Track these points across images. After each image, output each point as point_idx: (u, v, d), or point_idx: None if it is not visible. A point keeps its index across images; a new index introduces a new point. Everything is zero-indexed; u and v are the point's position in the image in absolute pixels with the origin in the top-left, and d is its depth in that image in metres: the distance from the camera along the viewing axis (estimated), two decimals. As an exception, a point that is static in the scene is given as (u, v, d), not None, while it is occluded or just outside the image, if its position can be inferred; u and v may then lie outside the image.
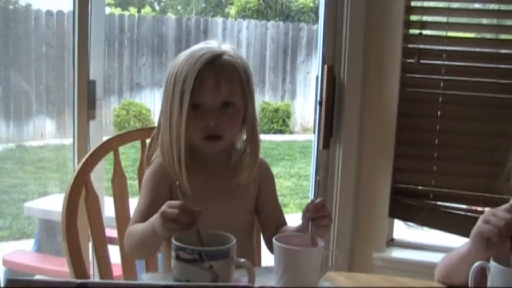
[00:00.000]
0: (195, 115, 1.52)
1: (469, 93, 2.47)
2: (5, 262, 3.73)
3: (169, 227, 1.32)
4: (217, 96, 1.52)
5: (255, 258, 1.71)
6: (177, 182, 1.40)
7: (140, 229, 1.46)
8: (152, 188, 1.57)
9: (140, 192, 1.62)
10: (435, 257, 2.51)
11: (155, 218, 1.37)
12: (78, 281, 0.92)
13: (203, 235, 1.31)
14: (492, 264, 1.31)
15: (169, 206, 1.33)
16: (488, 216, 1.37)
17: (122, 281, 1.01)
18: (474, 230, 1.40)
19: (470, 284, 1.34)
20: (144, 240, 1.45)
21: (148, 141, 1.70)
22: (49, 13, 7.22)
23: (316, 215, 1.44)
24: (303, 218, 1.47)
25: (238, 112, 1.57)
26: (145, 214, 1.50)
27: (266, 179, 1.69)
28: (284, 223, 1.67)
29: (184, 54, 1.56)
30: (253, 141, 1.61)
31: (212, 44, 1.58)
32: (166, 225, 1.32)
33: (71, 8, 2.46)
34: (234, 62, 1.55)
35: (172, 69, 1.55)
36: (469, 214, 2.50)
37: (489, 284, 1.32)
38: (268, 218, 1.68)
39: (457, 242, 2.47)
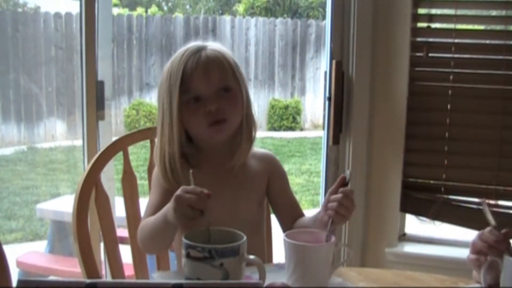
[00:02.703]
0: (195, 107, 1.53)
1: (479, 86, 2.45)
2: (19, 264, 3.75)
3: (183, 211, 1.32)
4: (210, 81, 1.53)
5: (264, 253, 1.71)
6: (191, 170, 1.39)
7: (152, 220, 1.47)
8: (162, 183, 1.58)
9: (151, 188, 1.63)
10: (447, 252, 2.52)
11: (168, 206, 1.38)
12: (88, 281, 0.92)
13: (213, 232, 1.31)
14: (505, 258, 1.30)
15: (185, 191, 1.33)
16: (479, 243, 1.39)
17: (131, 280, 1.01)
18: (470, 258, 1.42)
19: (482, 279, 1.33)
20: (156, 231, 1.46)
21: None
22: (57, 15, 7.24)
23: (338, 200, 1.44)
24: (324, 202, 1.48)
25: (236, 94, 1.58)
26: (157, 208, 1.50)
27: (275, 173, 1.70)
28: (301, 215, 1.67)
29: (172, 57, 1.58)
30: (248, 124, 1.62)
31: (197, 42, 1.60)
32: (180, 210, 1.32)
33: (79, 10, 2.46)
34: (219, 51, 1.57)
35: (163, 76, 1.58)
36: (480, 207, 2.48)
37: (502, 277, 1.31)
38: (283, 212, 1.69)
39: (469, 236, 2.46)
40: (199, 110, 1.53)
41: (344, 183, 1.47)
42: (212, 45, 1.58)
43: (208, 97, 1.53)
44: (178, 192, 1.34)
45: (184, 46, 1.60)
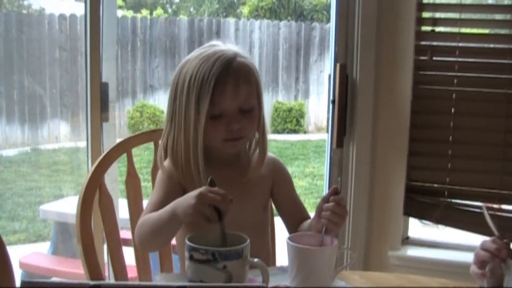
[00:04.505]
0: (216, 121, 1.52)
1: (483, 90, 2.45)
2: (22, 265, 3.75)
3: (202, 210, 1.31)
4: (237, 101, 1.52)
5: (269, 257, 1.70)
6: (210, 177, 1.39)
7: (156, 215, 1.45)
8: (167, 183, 1.57)
9: (155, 187, 1.62)
10: (450, 255, 2.52)
11: (181, 200, 1.37)
12: (92, 282, 0.92)
13: (217, 235, 1.31)
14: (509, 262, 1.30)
15: (209, 191, 1.32)
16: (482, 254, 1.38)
17: (136, 282, 1.01)
18: (475, 273, 1.41)
19: (485, 282, 1.33)
20: (160, 226, 1.44)
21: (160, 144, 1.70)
22: (62, 17, 7.26)
23: (330, 209, 1.43)
24: (317, 210, 1.47)
25: (255, 111, 1.57)
26: (159, 206, 1.48)
27: (279, 176, 1.69)
28: (306, 217, 1.65)
29: (194, 59, 1.54)
30: (263, 136, 1.62)
31: (220, 46, 1.57)
32: (200, 207, 1.31)
33: (83, 12, 2.47)
34: (248, 63, 1.55)
35: (183, 75, 1.54)
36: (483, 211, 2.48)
37: (505, 282, 1.31)
38: (288, 215, 1.68)
39: (472, 240, 2.46)
40: (220, 125, 1.52)
41: (336, 192, 1.47)
42: (240, 53, 1.55)
43: (231, 114, 1.52)
44: (202, 189, 1.33)
45: (206, 47, 1.57)
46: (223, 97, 1.50)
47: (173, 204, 1.39)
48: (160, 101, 8.95)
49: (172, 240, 1.56)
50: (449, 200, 2.52)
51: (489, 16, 2.65)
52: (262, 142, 1.62)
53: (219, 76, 1.49)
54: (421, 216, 2.64)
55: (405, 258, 2.57)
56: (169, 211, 1.40)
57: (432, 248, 2.62)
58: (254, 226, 1.59)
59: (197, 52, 1.57)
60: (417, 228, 2.81)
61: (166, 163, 1.59)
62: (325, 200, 1.47)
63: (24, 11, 8.20)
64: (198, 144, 1.52)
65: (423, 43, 2.50)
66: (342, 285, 1.44)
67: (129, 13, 10.47)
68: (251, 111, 1.55)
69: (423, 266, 2.52)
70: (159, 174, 1.61)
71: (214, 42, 1.60)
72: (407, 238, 2.67)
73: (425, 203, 2.56)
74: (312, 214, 1.60)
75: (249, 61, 1.56)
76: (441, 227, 2.54)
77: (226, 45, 1.57)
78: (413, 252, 2.60)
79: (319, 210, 1.47)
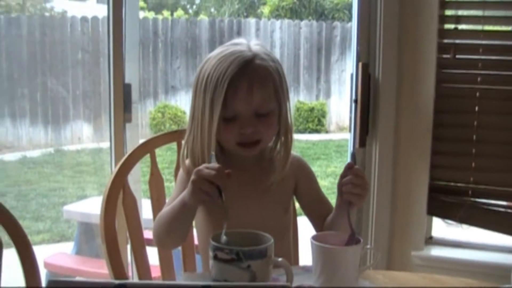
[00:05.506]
0: (230, 123, 1.51)
1: (507, 87, 2.43)
2: (46, 265, 3.79)
3: (200, 186, 1.32)
4: (251, 104, 1.49)
5: (291, 257, 1.69)
6: (212, 152, 1.39)
7: (169, 208, 1.46)
8: (186, 181, 1.52)
9: (175, 186, 1.63)
10: (474, 255, 2.49)
11: (185, 190, 1.38)
12: (117, 281, 0.92)
13: (240, 235, 1.31)
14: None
15: (205, 167, 1.33)
16: None
17: (161, 281, 1.02)
18: None
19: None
20: (174, 218, 1.44)
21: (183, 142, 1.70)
22: (84, 19, 7.32)
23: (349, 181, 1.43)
24: (337, 189, 1.48)
25: (273, 115, 1.54)
26: None
27: (302, 175, 1.67)
28: (331, 212, 1.62)
29: (213, 58, 1.52)
30: (286, 139, 1.60)
31: (242, 45, 1.54)
32: (199, 184, 1.32)
33: (105, 14, 2.49)
34: (267, 66, 1.52)
35: (202, 74, 1.53)
36: (509, 210, 2.46)
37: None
38: (313, 212, 1.66)
39: (497, 239, 2.44)
40: (233, 128, 1.51)
41: (351, 168, 1.46)
42: (261, 55, 1.52)
43: (245, 118, 1.50)
44: (199, 167, 1.34)
45: (228, 45, 1.54)
46: (236, 100, 1.48)
47: (182, 194, 1.41)
48: (182, 102, 8.99)
49: (188, 234, 1.55)
50: (473, 199, 2.50)
51: (512, 13, 2.63)
52: (285, 145, 1.60)
53: (233, 78, 1.46)
54: (444, 216, 2.62)
55: (428, 258, 2.55)
56: (180, 200, 1.41)
57: (456, 248, 2.60)
58: (274, 228, 1.55)
59: (218, 50, 1.55)
60: (440, 227, 2.79)
61: (187, 161, 1.59)
62: (343, 176, 1.46)
63: (47, 14, 8.29)
64: (212, 145, 1.50)
65: (446, 41, 2.48)
66: (366, 285, 1.43)
67: (151, 15, 10.52)
68: (268, 115, 1.53)
69: (447, 266, 2.50)
70: (180, 172, 1.61)
71: (237, 40, 1.57)
72: (431, 238, 2.65)
73: (448, 202, 2.54)
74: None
75: (268, 63, 1.52)
76: (465, 226, 2.53)
77: (249, 44, 1.54)
78: (436, 252, 2.59)
79: (340, 187, 1.46)
